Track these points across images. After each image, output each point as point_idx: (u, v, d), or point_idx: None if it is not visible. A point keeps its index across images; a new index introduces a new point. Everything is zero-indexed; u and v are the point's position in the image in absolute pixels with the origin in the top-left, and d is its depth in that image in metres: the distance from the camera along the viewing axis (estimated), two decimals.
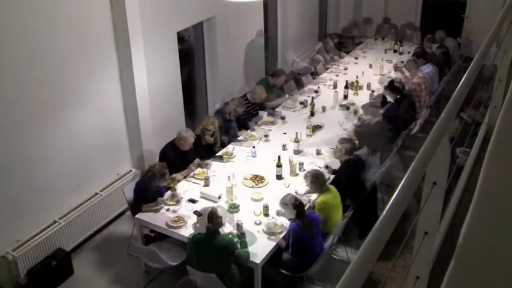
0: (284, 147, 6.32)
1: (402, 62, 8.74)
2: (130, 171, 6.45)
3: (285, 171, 5.85)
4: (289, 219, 4.87)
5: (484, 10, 9.87)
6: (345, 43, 9.85)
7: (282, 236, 4.92)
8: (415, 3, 11.29)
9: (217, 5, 7.25)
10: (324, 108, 7.40)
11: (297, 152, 6.26)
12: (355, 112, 7.22)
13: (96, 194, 6.01)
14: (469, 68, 2.88)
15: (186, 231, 4.96)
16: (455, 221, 3.65)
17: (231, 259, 4.62)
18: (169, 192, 5.54)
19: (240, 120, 6.94)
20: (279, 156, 5.87)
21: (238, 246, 4.66)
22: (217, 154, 6.26)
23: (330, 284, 5.28)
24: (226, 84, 7.98)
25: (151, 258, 5.00)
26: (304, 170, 5.67)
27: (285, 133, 6.76)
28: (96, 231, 6.09)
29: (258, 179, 5.79)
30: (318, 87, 8.11)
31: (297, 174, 5.79)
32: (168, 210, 5.32)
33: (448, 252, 2.54)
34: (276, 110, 7.40)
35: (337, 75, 8.60)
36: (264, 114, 7.26)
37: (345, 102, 7.62)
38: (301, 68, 9.20)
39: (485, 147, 4.18)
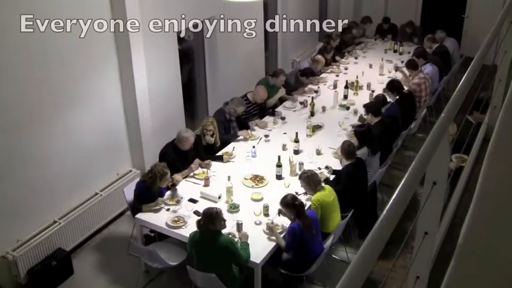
0: (284, 147, 6.33)
1: (402, 62, 8.73)
2: (131, 171, 6.45)
3: (285, 171, 5.85)
4: (290, 219, 4.86)
5: (484, 10, 9.87)
6: (345, 43, 9.84)
7: (282, 236, 4.93)
8: (415, 3, 11.30)
9: (217, 5, 7.25)
10: (324, 108, 7.40)
11: (297, 152, 6.26)
12: (355, 112, 7.23)
13: (96, 194, 6.01)
14: (469, 68, 2.88)
15: (186, 231, 4.95)
16: (455, 221, 3.65)
17: (231, 259, 4.61)
18: (169, 192, 5.54)
19: (240, 120, 6.94)
20: (279, 156, 5.87)
21: (238, 246, 4.66)
22: (217, 154, 6.26)
23: (330, 284, 5.29)
24: (226, 84, 7.97)
25: (151, 258, 5.00)
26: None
27: (285, 133, 6.76)
28: (96, 231, 6.09)
29: (258, 179, 5.79)
30: (318, 87, 8.12)
31: (296, 174, 5.78)
32: (168, 210, 5.32)
33: (448, 252, 2.54)
34: (276, 110, 7.40)
35: (337, 75, 8.60)
36: (269, 120, 7.18)
37: (345, 102, 7.62)
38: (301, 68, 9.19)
39: (485, 147, 4.18)
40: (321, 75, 8.62)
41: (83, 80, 5.65)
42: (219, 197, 5.44)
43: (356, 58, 9.42)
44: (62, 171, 5.59)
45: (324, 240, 5.02)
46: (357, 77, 8.11)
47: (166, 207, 5.35)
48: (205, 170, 5.92)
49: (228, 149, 6.40)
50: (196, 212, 5.20)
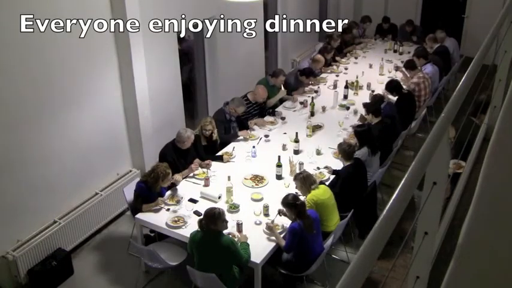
0: (284, 147, 6.33)
1: (402, 62, 8.73)
2: (131, 171, 6.46)
3: (285, 171, 5.85)
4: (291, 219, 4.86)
5: (484, 10, 9.87)
6: (345, 43, 9.85)
7: (282, 236, 4.93)
8: (415, 2, 11.30)
9: (217, 5, 7.25)
10: (324, 108, 7.40)
11: (297, 152, 6.26)
12: (355, 112, 7.23)
13: (96, 194, 6.02)
14: (469, 68, 2.88)
15: (186, 231, 4.95)
16: (455, 221, 3.65)
17: (232, 260, 4.61)
18: (169, 192, 5.54)
19: (240, 120, 6.94)
20: (279, 156, 5.87)
21: (239, 246, 4.66)
22: (217, 154, 6.27)
23: (330, 284, 5.29)
24: (226, 84, 7.97)
25: (151, 258, 5.00)
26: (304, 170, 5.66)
27: (285, 133, 6.76)
28: (96, 231, 6.09)
29: (258, 179, 5.79)
30: (318, 87, 8.12)
31: None
32: (168, 210, 5.32)
33: (448, 252, 2.54)
34: (276, 110, 7.40)
35: (337, 75, 8.60)
36: (269, 119, 7.17)
37: (344, 102, 7.62)
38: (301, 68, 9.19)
39: (485, 147, 4.18)
40: (321, 75, 8.62)
41: (83, 80, 5.65)
42: (219, 197, 5.44)
43: (356, 58, 9.42)
44: (62, 171, 5.59)
45: (323, 239, 5.02)
46: (357, 77, 8.11)
47: (166, 207, 5.35)
48: (205, 170, 5.92)
49: (228, 149, 6.40)
50: (196, 212, 5.20)
